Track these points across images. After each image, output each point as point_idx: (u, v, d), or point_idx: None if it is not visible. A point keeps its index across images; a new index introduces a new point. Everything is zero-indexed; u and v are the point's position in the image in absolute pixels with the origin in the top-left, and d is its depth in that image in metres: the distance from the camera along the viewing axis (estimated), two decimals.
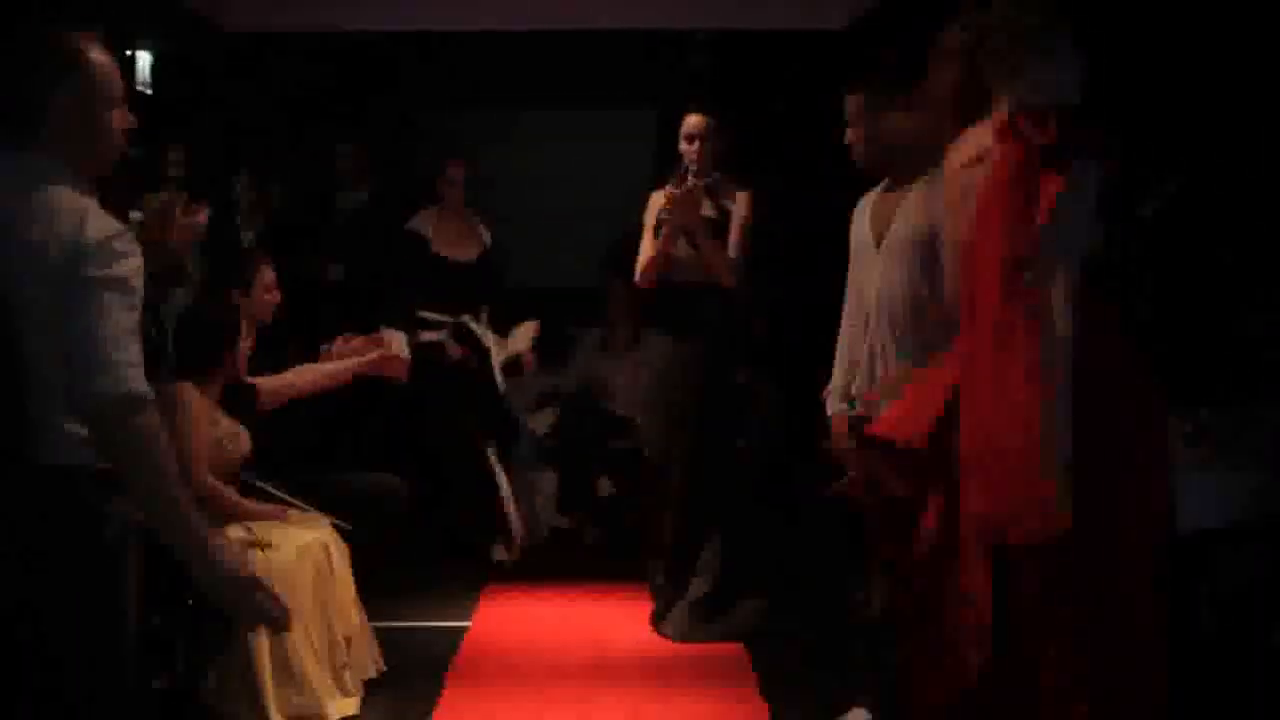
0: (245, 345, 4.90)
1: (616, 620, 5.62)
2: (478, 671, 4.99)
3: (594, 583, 6.20)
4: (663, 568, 5.52)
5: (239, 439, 4.64)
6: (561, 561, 6.55)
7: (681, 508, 5.43)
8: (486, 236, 6.59)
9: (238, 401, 4.72)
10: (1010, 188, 3.01)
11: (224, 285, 5.11)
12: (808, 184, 7.26)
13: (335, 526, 4.74)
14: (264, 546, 4.36)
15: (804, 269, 7.23)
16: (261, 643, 4.25)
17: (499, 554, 6.39)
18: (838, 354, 4.24)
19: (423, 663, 5.03)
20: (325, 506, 4.80)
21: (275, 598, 2.74)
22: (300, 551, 4.45)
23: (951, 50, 3.42)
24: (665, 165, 5.52)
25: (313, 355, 5.25)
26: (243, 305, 4.93)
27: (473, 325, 6.44)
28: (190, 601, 4.24)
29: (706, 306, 5.34)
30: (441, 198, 6.49)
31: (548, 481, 6.99)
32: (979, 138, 3.21)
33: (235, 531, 4.39)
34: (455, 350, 6.40)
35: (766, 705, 4.63)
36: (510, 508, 6.43)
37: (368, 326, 5.67)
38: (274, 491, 4.77)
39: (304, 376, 5.10)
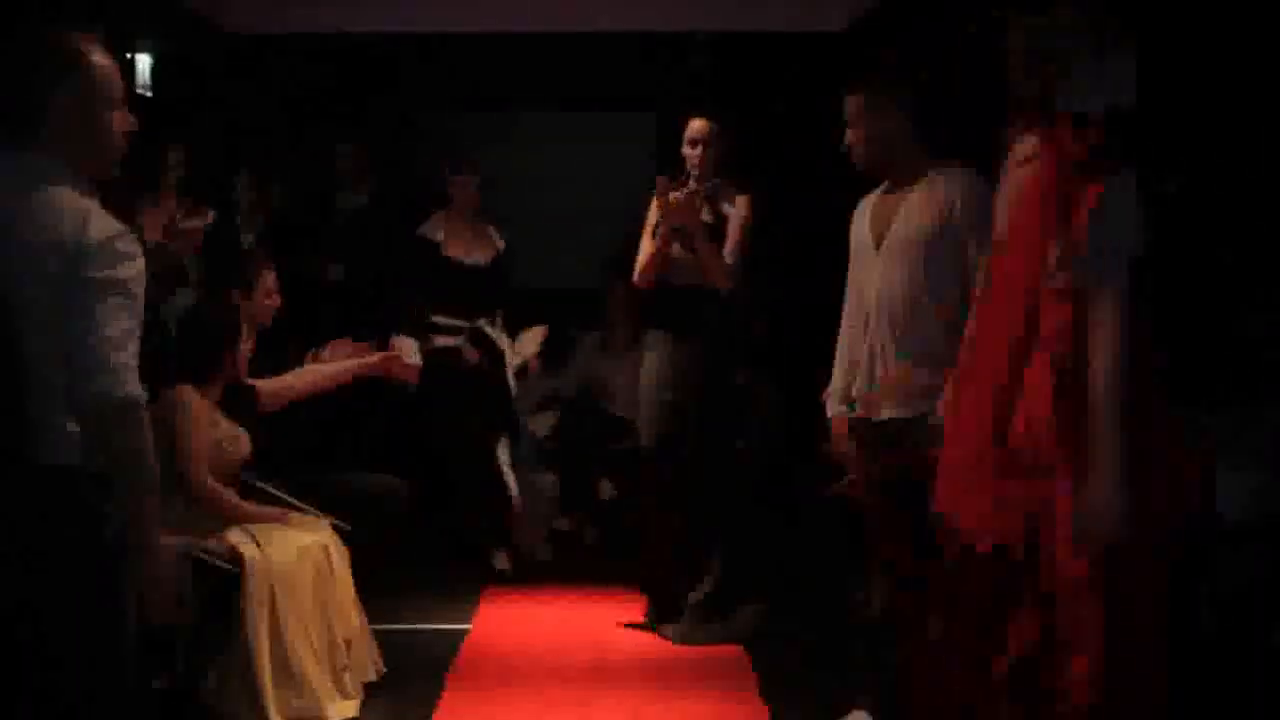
0: (245, 347, 4.90)
1: (617, 622, 5.61)
2: (478, 673, 4.99)
3: (594, 584, 6.20)
4: (662, 569, 5.52)
5: (239, 441, 4.63)
6: (561, 563, 6.54)
7: (681, 509, 5.43)
8: (499, 240, 6.58)
9: (238, 403, 4.72)
10: (1051, 189, 2.99)
11: (224, 287, 5.11)
12: (807, 185, 7.26)
13: (335, 527, 4.74)
14: (265, 540, 4.37)
15: (803, 270, 7.23)
16: (261, 644, 4.25)
17: (501, 562, 6.38)
18: (837, 355, 4.24)
19: (423, 665, 5.03)
20: (325, 507, 4.80)
21: (183, 611, 2.77)
22: (300, 553, 4.45)
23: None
24: (665, 167, 5.52)
25: (311, 357, 5.26)
26: (243, 307, 4.93)
27: (488, 330, 6.43)
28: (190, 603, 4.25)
29: (705, 308, 5.34)
30: (452, 201, 6.48)
31: (548, 484, 6.98)
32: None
33: (235, 534, 4.39)
34: (471, 355, 6.39)
35: (766, 706, 4.63)
36: (516, 503, 6.42)
37: (368, 327, 5.67)
38: (275, 492, 4.77)
39: (304, 378, 5.10)
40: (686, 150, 5.40)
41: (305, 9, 7.18)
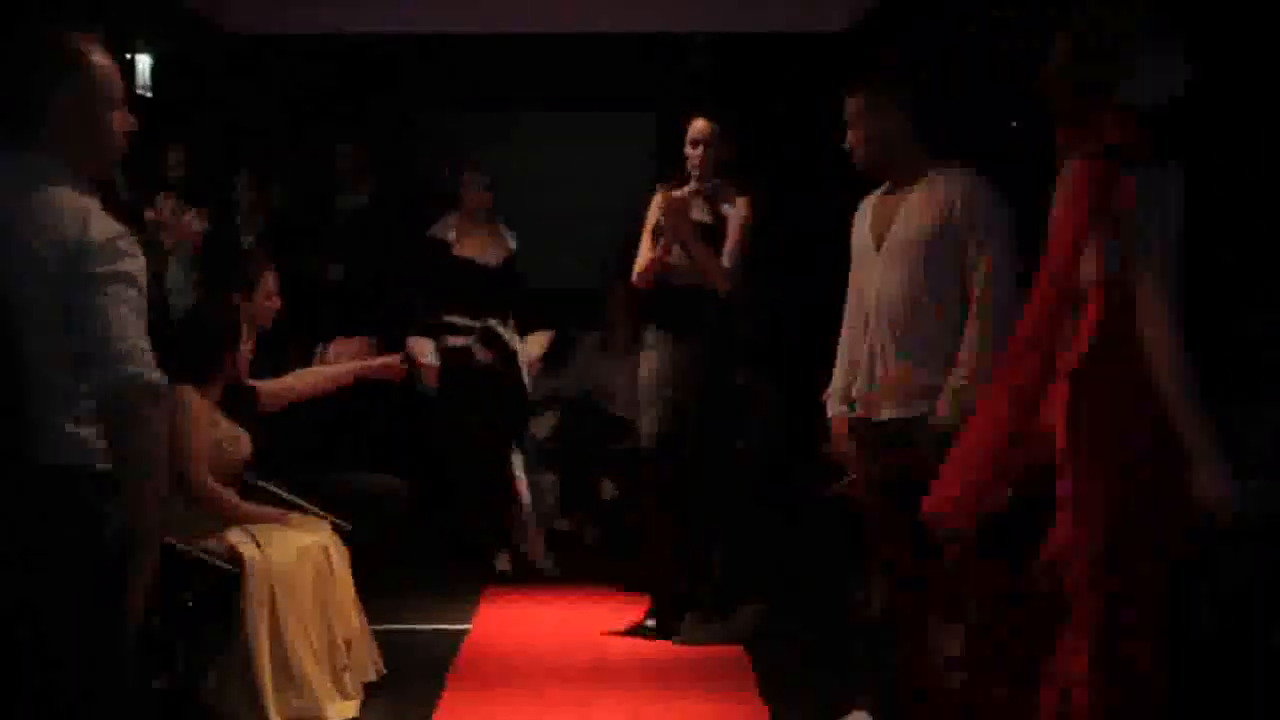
0: (245, 348, 4.89)
1: (616, 622, 5.61)
2: (478, 674, 4.99)
3: (594, 585, 6.20)
4: (662, 569, 5.52)
5: (239, 441, 4.63)
6: (561, 563, 6.54)
7: (681, 508, 5.43)
8: (512, 240, 6.58)
9: (238, 403, 4.72)
10: (1086, 182, 2.98)
11: (225, 287, 5.11)
12: (807, 185, 7.27)
13: (336, 527, 4.74)
14: (265, 540, 4.37)
15: (803, 270, 7.23)
16: (261, 644, 4.25)
17: (502, 563, 6.38)
18: (838, 356, 4.25)
19: (423, 665, 5.03)
20: (325, 507, 4.80)
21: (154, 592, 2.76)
22: (300, 554, 4.45)
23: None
24: (665, 168, 5.53)
25: (309, 357, 5.25)
26: (243, 308, 4.93)
27: (499, 329, 6.43)
28: (190, 603, 4.25)
29: (705, 308, 5.35)
30: (463, 201, 6.48)
31: (548, 484, 6.98)
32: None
33: (235, 534, 4.39)
34: (483, 354, 6.39)
35: (766, 706, 4.63)
36: (527, 516, 6.41)
37: (368, 327, 5.67)
38: (278, 492, 4.77)
39: (304, 380, 5.10)
40: (688, 150, 5.40)
41: (305, 9, 7.18)
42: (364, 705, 4.57)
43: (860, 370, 4.12)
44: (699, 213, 5.37)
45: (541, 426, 7.11)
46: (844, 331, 4.23)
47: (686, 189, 5.35)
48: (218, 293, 5.14)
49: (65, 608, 2.62)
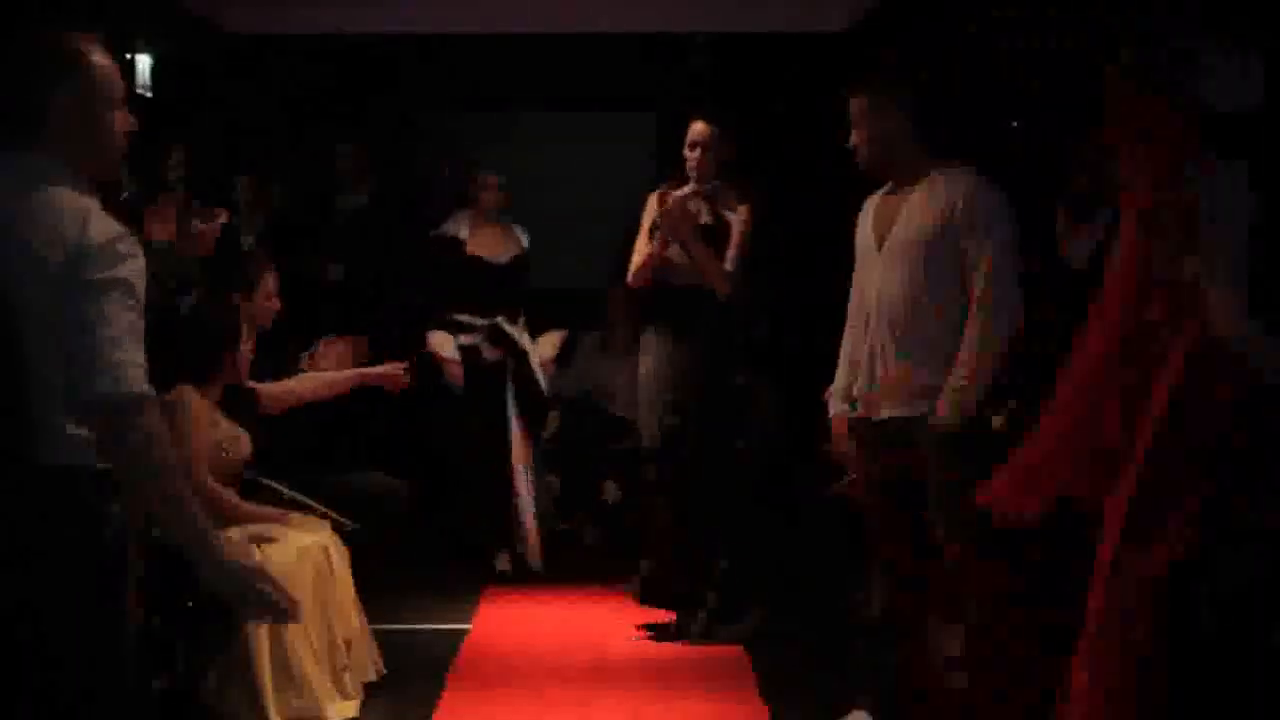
0: (246, 349, 4.89)
1: (617, 622, 5.61)
2: (478, 674, 4.99)
3: (594, 585, 6.20)
4: (663, 569, 5.52)
5: (239, 441, 4.63)
6: (562, 563, 6.54)
7: (682, 509, 5.43)
8: (524, 239, 6.57)
9: (238, 404, 4.72)
10: (1150, 182, 2.97)
11: (225, 288, 5.11)
12: (807, 186, 7.27)
13: (339, 525, 4.74)
14: (266, 539, 4.37)
15: (803, 271, 7.24)
16: (261, 644, 4.25)
17: (502, 563, 6.38)
18: (840, 355, 4.25)
19: (423, 665, 5.03)
20: (326, 506, 4.80)
21: (282, 589, 2.75)
22: (300, 554, 4.45)
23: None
24: (665, 168, 5.53)
25: (308, 358, 5.25)
26: (244, 309, 4.93)
27: (507, 327, 6.41)
28: (190, 602, 4.25)
29: (704, 309, 5.35)
30: (476, 200, 6.47)
31: (549, 484, 6.98)
32: None
33: (235, 534, 4.39)
34: (491, 353, 6.38)
35: (766, 706, 4.63)
36: (529, 518, 6.40)
37: (368, 327, 5.67)
38: (282, 490, 4.78)
39: (305, 384, 5.10)
40: (686, 153, 5.40)
41: (305, 9, 7.17)
42: (364, 705, 4.57)
43: (861, 370, 4.12)
44: (699, 214, 5.37)
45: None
46: (846, 331, 4.23)
47: (685, 190, 5.35)
48: (218, 293, 5.14)
49: (65, 608, 2.62)
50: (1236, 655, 3.85)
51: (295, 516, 4.67)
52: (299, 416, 5.09)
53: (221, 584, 2.66)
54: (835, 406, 4.25)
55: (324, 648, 4.47)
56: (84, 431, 2.61)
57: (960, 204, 3.94)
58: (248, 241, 6.79)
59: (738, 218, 5.36)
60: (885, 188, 4.16)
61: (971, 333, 3.90)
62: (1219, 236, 2.92)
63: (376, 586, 4.96)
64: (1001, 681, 3.12)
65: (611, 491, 6.92)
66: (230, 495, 4.54)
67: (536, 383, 6.43)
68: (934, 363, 3.95)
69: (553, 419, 7.14)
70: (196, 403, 4.47)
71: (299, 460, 5.07)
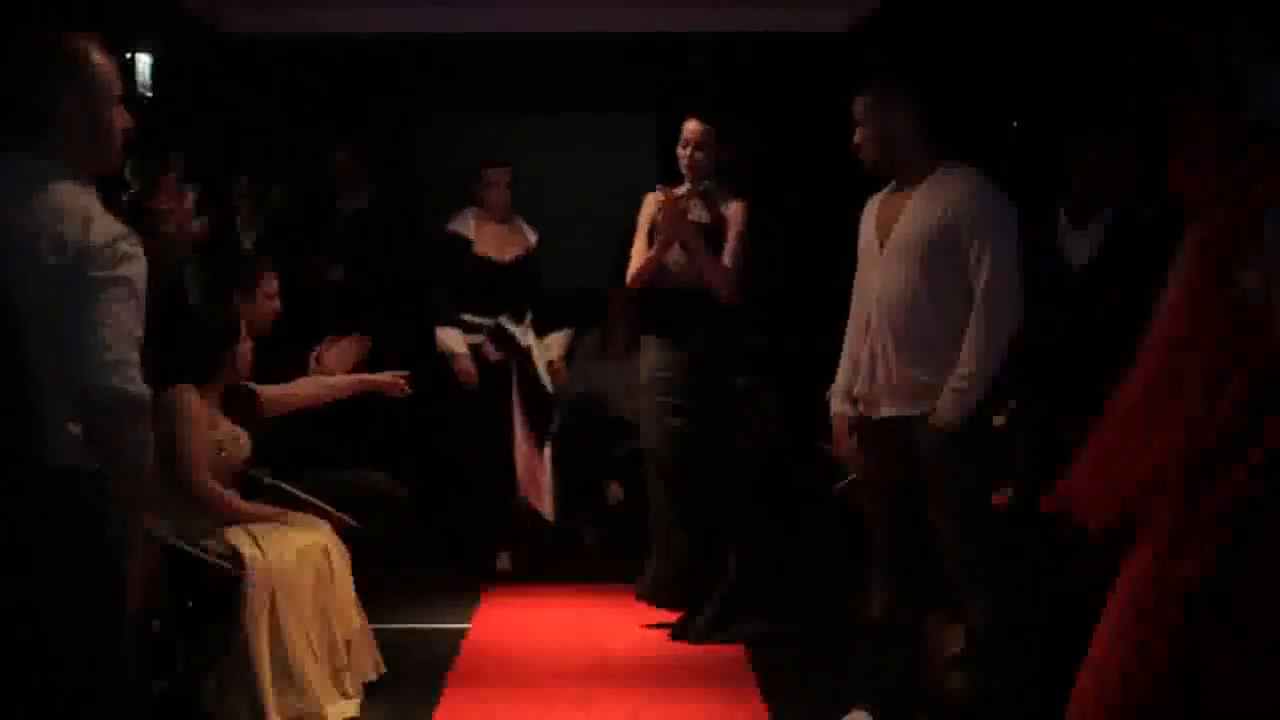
0: (245, 349, 4.89)
1: (617, 622, 5.62)
2: (478, 673, 4.99)
3: (594, 584, 6.20)
4: (663, 569, 5.52)
5: (239, 441, 4.64)
6: (562, 563, 6.54)
7: (683, 510, 5.43)
8: (532, 237, 6.54)
9: (238, 404, 4.72)
10: (1219, 204, 2.95)
11: (225, 288, 5.11)
12: (807, 187, 7.27)
13: (342, 523, 4.75)
14: (264, 541, 4.37)
15: (803, 271, 7.24)
16: (261, 645, 4.25)
17: (502, 563, 6.38)
18: (842, 354, 4.25)
19: (423, 665, 5.03)
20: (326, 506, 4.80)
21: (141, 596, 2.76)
22: (300, 554, 4.45)
23: None
24: (665, 169, 5.53)
25: (306, 361, 5.25)
26: (244, 310, 4.93)
27: (509, 327, 6.40)
28: (190, 603, 4.25)
29: (703, 311, 5.34)
30: (481, 199, 6.45)
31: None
32: None
33: (235, 534, 4.39)
34: (494, 353, 6.37)
35: (767, 706, 4.63)
36: (545, 475, 6.37)
37: (368, 328, 5.66)
38: (286, 488, 4.78)
39: (305, 388, 5.09)
40: (680, 151, 5.41)
41: (305, 10, 7.18)
42: (364, 705, 4.57)
43: (862, 369, 4.12)
44: (697, 213, 5.37)
45: None
46: (848, 330, 4.23)
47: (681, 189, 5.36)
48: (218, 293, 5.14)
49: (65, 608, 2.63)
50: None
51: (295, 516, 4.67)
52: (299, 416, 5.09)
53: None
54: (836, 406, 4.25)
55: (324, 648, 4.47)
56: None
57: (963, 204, 3.94)
58: (248, 242, 6.79)
59: (734, 215, 5.36)
60: (888, 187, 4.16)
61: (973, 332, 3.90)
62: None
63: (376, 586, 4.96)
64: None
65: (615, 493, 6.91)
66: (231, 495, 4.54)
67: (539, 382, 6.42)
68: (935, 362, 3.95)
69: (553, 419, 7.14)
70: (196, 403, 4.47)
71: (299, 460, 5.07)
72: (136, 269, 2.64)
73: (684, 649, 5.29)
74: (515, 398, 6.37)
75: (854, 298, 4.21)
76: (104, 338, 2.56)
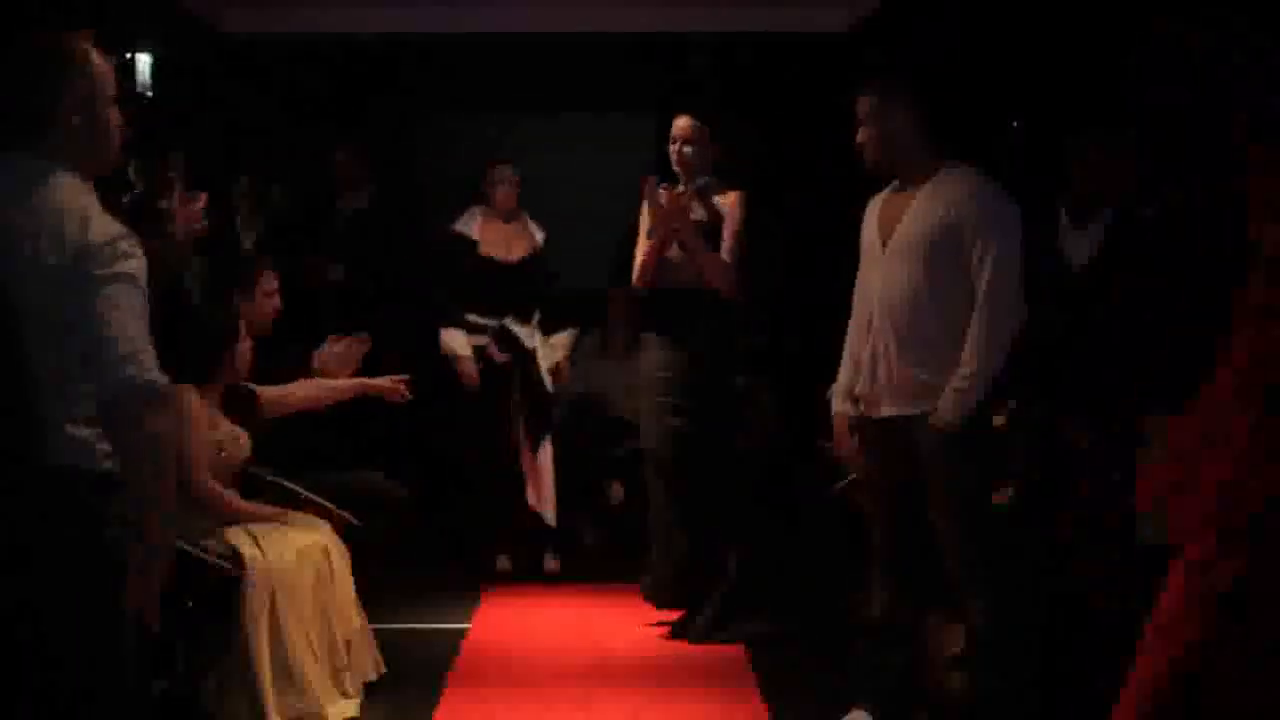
0: (245, 349, 4.88)
1: (617, 622, 5.62)
2: (478, 673, 4.99)
3: (594, 584, 6.20)
4: (664, 569, 5.52)
5: (239, 441, 4.64)
6: (561, 563, 6.53)
7: (683, 510, 5.43)
8: (539, 237, 6.51)
9: (238, 404, 4.72)
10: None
11: (224, 288, 5.11)
12: (807, 187, 7.27)
13: (342, 520, 4.75)
14: (264, 541, 4.37)
15: (803, 271, 7.24)
16: (261, 645, 4.25)
17: (502, 563, 6.38)
18: (844, 353, 4.25)
19: (423, 665, 5.03)
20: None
21: (154, 596, 2.74)
22: (300, 554, 4.45)
23: None
24: (665, 170, 5.53)
25: (308, 361, 5.25)
26: (244, 310, 4.93)
27: (513, 328, 6.38)
28: (190, 603, 4.25)
29: (703, 310, 5.34)
30: (488, 198, 6.43)
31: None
32: None
33: (235, 534, 4.39)
34: (498, 355, 6.34)
35: (766, 706, 4.63)
36: (546, 478, 6.36)
37: (368, 329, 5.66)
38: (288, 485, 4.78)
39: (305, 389, 5.09)
40: (670, 149, 5.41)
41: (305, 10, 7.18)
42: (364, 705, 4.57)
43: (863, 368, 4.12)
44: (694, 210, 5.37)
45: None
46: (849, 329, 4.23)
47: (678, 189, 5.36)
48: (217, 293, 5.14)
49: (65, 608, 2.63)
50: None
51: (295, 516, 4.67)
52: (299, 417, 5.09)
53: (149, 566, 2.67)
54: (837, 405, 4.25)
55: (324, 648, 4.47)
56: (84, 432, 2.62)
57: (966, 204, 3.94)
58: (248, 242, 6.79)
59: (731, 209, 5.36)
60: (890, 187, 4.16)
61: (975, 332, 3.90)
62: None
63: (376, 586, 4.95)
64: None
65: (616, 492, 6.90)
66: (231, 495, 4.54)
67: (541, 384, 6.40)
68: (936, 362, 3.95)
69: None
70: (196, 403, 4.47)
71: (299, 460, 5.07)
72: (136, 266, 2.64)
73: (684, 649, 5.30)
74: (517, 399, 6.36)
75: (855, 297, 4.21)
76: (114, 332, 2.56)
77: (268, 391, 4.92)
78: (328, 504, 4.79)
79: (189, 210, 4.48)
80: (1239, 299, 2.95)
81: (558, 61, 7.83)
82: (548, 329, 6.52)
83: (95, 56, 2.74)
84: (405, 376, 5.23)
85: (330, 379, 5.20)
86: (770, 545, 5.78)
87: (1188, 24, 3.71)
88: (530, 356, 6.37)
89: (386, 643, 4.90)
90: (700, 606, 5.41)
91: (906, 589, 4.15)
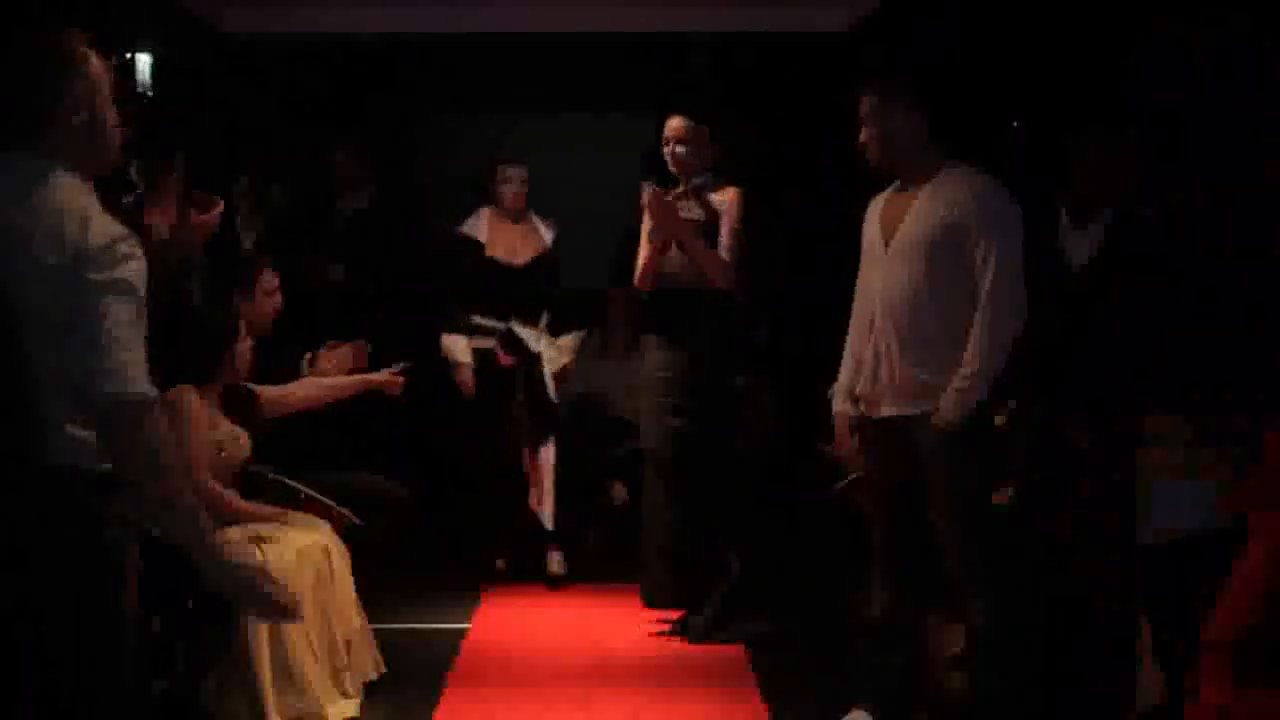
0: (246, 350, 4.89)
1: (617, 622, 5.62)
2: (478, 673, 4.99)
3: (594, 584, 6.20)
4: (665, 570, 5.53)
5: (239, 441, 4.64)
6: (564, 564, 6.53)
7: (681, 511, 5.44)
8: (548, 237, 6.45)
9: (238, 404, 4.72)
10: None
11: (224, 287, 5.11)
12: (807, 187, 7.27)
13: (344, 518, 4.75)
14: (265, 539, 4.37)
15: (803, 271, 7.24)
16: (261, 645, 4.25)
17: (501, 564, 6.37)
18: (844, 353, 4.25)
19: (423, 665, 5.03)
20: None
21: (283, 588, 2.76)
22: (300, 554, 4.45)
23: None
24: (664, 170, 5.53)
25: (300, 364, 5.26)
26: (244, 309, 4.93)
27: (519, 331, 6.34)
28: (190, 603, 4.25)
29: (703, 310, 5.34)
30: (496, 198, 6.39)
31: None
32: None
33: (235, 534, 4.39)
34: (505, 359, 6.31)
35: (766, 706, 4.63)
36: (547, 479, 6.35)
37: (368, 329, 5.66)
38: (290, 482, 4.78)
39: (305, 389, 5.09)
40: (664, 150, 5.41)
41: (305, 10, 7.17)
42: (364, 705, 4.57)
43: (865, 368, 4.12)
44: (691, 210, 5.37)
45: None
46: (850, 329, 4.23)
47: (675, 191, 5.35)
48: (218, 292, 5.14)
49: (65, 608, 2.62)
50: None
51: (295, 516, 4.67)
52: (299, 416, 5.10)
53: (223, 583, 2.67)
54: (838, 405, 4.25)
55: (324, 648, 4.47)
56: (84, 432, 2.61)
57: (968, 205, 3.93)
58: (248, 242, 6.78)
59: (728, 210, 5.35)
60: (891, 187, 4.16)
61: (977, 333, 3.90)
62: None
63: (376, 586, 4.96)
64: None
65: (619, 493, 6.90)
66: (230, 495, 4.54)
67: (544, 388, 6.35)
68: (938, 362, 3.95)
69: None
70: (196, 403, 4.47)
71: (299, 461, 5.07)
72: (135, 269, 2.64)
73: (684, 649, 5.30)
74: (520, 400, 6.33)
75: (856, 297, 4.21)
76: (102, 344, 2.55)
77: (268, 391, 4.92)
78: (328, 501, 4.79)
79: (205, 215, 4.46)
80: None
81: (558, 61, 7.83)
82: (556, 330, 6.48)
83: (93, 56, 2.74)
84: (402, 365, 5.22)
85: (327, 379, 5.20)
86: (770, 545, 5.78)
87: (1188, 24, 3.71)
88: (535, 360, 6.33)
89: (386, 643, 4.91)
90: (700, 607, 5.41)
91: (906, 589, 4.15)
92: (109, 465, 2.63)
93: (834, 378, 4.29)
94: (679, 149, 5.38)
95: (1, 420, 2.57)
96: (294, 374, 5.19)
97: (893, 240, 4.03)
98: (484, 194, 6.44)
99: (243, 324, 4.77)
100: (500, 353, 6.29)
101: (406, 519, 5.35)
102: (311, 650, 4.40)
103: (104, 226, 2.62)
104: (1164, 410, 4.42)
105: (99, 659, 2.67)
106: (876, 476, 4.18)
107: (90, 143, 2.72)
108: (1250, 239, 4.71)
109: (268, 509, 4.64)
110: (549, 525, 6.32)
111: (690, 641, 5.34)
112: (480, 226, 6.38)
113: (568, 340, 6.53)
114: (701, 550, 5.42)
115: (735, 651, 5.22)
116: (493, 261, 6.33)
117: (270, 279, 5.08)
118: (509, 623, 5.68)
